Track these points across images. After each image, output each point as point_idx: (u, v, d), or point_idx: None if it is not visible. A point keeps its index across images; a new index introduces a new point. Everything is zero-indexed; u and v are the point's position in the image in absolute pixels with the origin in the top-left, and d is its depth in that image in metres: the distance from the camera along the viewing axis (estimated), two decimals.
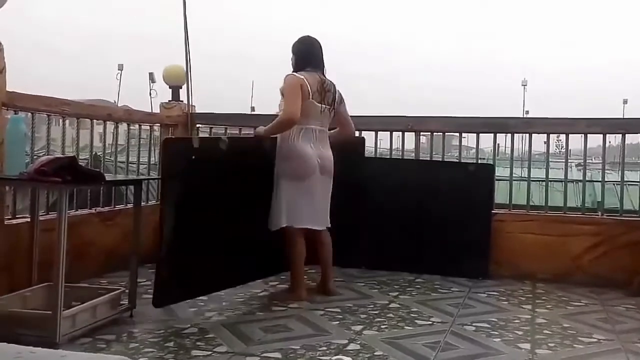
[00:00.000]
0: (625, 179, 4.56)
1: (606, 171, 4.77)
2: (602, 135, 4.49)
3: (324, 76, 3.71)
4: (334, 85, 3.74)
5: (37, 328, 2.65)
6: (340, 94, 3.80)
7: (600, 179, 4.81)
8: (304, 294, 3.64)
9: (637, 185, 4.48)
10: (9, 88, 3.28)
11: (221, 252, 3.37)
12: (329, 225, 3.77)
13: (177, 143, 3.60)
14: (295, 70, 3.66)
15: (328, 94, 3.67)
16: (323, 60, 3.75)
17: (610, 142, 4.97)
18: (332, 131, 3.88)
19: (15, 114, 3.34)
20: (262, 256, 3.69)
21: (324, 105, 3.64)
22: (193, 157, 3.20)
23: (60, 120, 3.85)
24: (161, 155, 3.64)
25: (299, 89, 3.53)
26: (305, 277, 3.77)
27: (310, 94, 3.57)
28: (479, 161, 5.03)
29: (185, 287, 3.26)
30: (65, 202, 2.69)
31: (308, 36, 3.77)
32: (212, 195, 3.29)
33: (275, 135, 3.66)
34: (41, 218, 3.29)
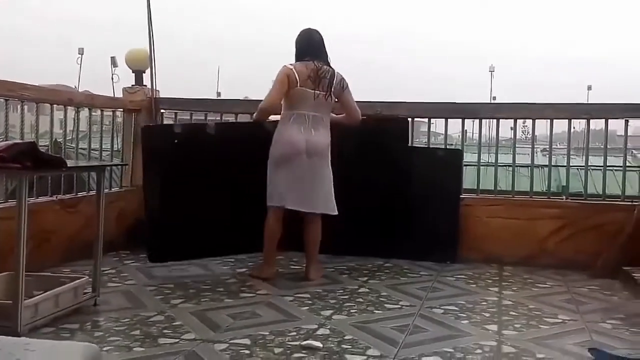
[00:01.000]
0: (590, 164, 4.63)
1: (571, 156, 4.85)
2: (567, 121, 4.55)
3: (322, 64, 3.76)
4: (334, 72, 3.79)
5: None
6: (342, 80, 3.85)
7: (565, 164, 4.88)
8: (268, 272, 3.76)
9: (601, 169, 4.53)
10: None
11: (197, 224, 3.86)
12: (328, 212, 3.84)
13: (157, 129, 4.26)
14: (295, 61, 3.77)
15: (324, 81, 3.74)
16: (324, 50, 3.83)
17: (574, 127, 5.02)
18: (339, 116, 4.00)
19: None
20: (236, 233, 3.98)
21: (317, 92, 3.72)
22: (175, 140, 3.86)
23: (19, 106, 3.73)
24: (142, 140, 4.10)
25: (284, 79, 3.67)
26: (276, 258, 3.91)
27: (298, 82, 3.68)
28: (448, 147, 5.05)
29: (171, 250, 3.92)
30: (25, 188, 2.59)
31: (307, 28, 3.88)
32: (190, 174, 3.84)
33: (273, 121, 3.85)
34: (1, 206, 3.19)
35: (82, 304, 2.99)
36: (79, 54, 17.67)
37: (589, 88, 26.67)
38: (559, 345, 2.71)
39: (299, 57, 3.80)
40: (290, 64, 3.74)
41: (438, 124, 5.80)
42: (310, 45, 3.80)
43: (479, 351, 2.60)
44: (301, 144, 3.71)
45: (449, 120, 4.80)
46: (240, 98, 6.08)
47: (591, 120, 4.62)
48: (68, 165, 2.99)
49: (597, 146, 6.21)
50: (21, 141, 3.14)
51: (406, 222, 4.45)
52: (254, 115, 3.91)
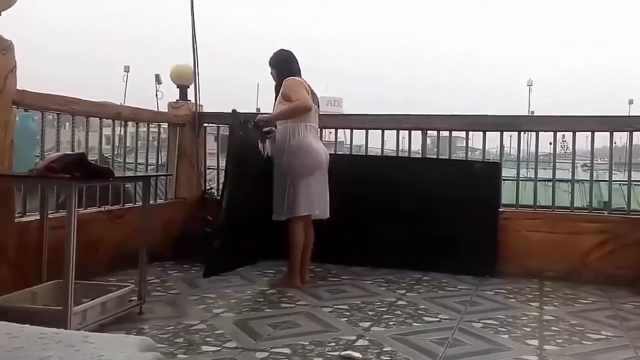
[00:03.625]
0: (632, 179, 4.55)
1: (613, 172, 4.76)
2: (609, 134, 4.49)
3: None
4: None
5: (48, 324, 2.65)
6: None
7: (606, 179, 4.80)
8: (297, 282, 3.89)
9: None
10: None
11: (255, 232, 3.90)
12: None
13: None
14: (283, 78, 3.93)
15: (315, 97, 4.03)
16: (300, 69, 4.05)
17: (615, 142, 4.94)
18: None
19: (25, 112, 3.37)
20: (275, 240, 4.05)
21: (315, 106, 3.98)
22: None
23: (67, 123, 3.88)
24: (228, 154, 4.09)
25: (304, 87, 3.89)
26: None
27: (310, 94, 3.90)
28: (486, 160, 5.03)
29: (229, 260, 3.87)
30: (74, 198, 2.70)
31: (286, 49, 4.11)
32: (257, 186, 3.87)
33: (271, 127, 3.92)
34: (50, 216, 3.31)
35: (128, 311, 3.08)
36: (124, 71, 18.11)
37: (631, 102, 26.02)
38: None
39: (289, 74, 3.94)
40: (297, 78, 3.92)
41: (475, 139, 5.78)
42: (296, 64, 4.03)
43: None
44: (325, 155, 3.98)
45: (487, 134, 4.79)
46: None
47: (634, 135, 4.55)
48: (115, 176, 3.10)
49: (639, 161, 6.08)
50: (71, 152, 3.28)
51: (444, 235, 4.44)
52: (281, 113, 3.86)
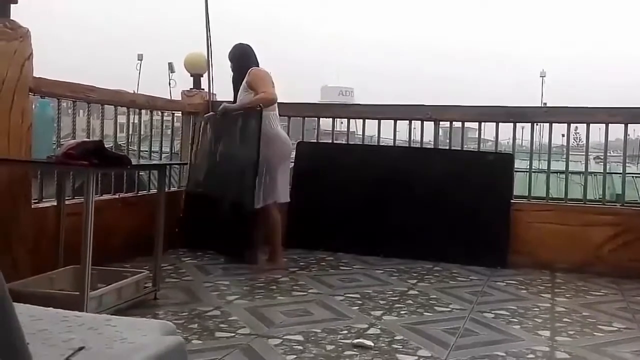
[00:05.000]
0: None
1: (626, 164, 4.74)
2: (623, 126, 4.47)
3: None
4: None
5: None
6: None
7: (619, 171, 4.78)
8: (283, 262, 4.09)
9: None
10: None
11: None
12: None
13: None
14: (244, 70, 4.09)
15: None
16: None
17: (629, 134, 4.90)
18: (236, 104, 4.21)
19: (42, 99, 3.40)
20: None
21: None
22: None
23: (81, 111, 3.91)
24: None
25: (270, 78, 4.06)
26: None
27: (273, 84, 4.07)
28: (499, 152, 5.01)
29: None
30: (92, 184, 2.72)
31: (241, 43, 4.31)
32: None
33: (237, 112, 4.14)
34: (67, 202, 3.35)
35: (143, 297, 3.12)
36: (138, 59, 18.09)
37: None
38: (615, 352, 2.68)
39: (246, 67, 4.10)
40: (262, 68, 4.10)
41: (487, 131, 5.76)
42: (254, 57, 4.22)
43: (531, 356, 2.59)
44: (291, 143, 4.26)
45: (499, 125, 4.77)
46: (295, 102, 6.16)
47: None
48: (132, 164, 3.13)
49: None
50: (89, 140, 3.31)
51: (456, 226, 4.45)
52: (250, 102, 4.01)
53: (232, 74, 4.32)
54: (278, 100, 4.09)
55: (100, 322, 1.33)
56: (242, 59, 4.20)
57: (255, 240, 4.19)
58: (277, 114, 4.09)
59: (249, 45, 4.29)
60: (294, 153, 4.94)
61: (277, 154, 3.99)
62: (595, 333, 2.96)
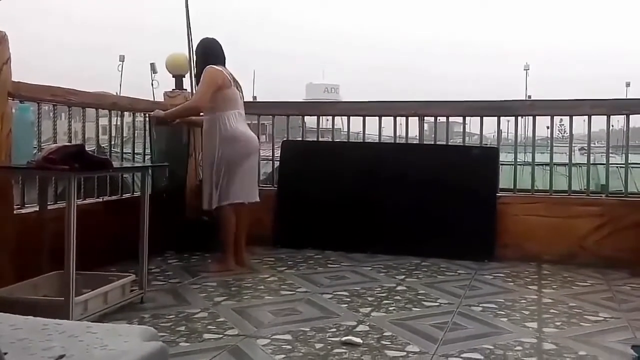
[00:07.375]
0: (629, 162, 4.56)
1: (610, 154, 4.78)
2: (606, 117, 4.50)
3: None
4: None
5: (50, 314, 2.66)
6: None
7: (603, 162, 4.81)
8: (232, 264, 3.94)
9: None
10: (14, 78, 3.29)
11: None
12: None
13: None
14: (203, 67, 3.94)
15: (239, 85, 4.06)
16: (225, 57, 4.06)
17: (613, 125, 4.94)
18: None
19: (21, 103, 3.35)
20: None
21: (240, 94, 4.04)
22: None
23: (63, 114, 3.87)
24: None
25: (216, 80, 3.87)
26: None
27: (232, 82, 3.93)
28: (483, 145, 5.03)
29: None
30: (73, 189, 2.70)
31: (211, 38, 4.11)
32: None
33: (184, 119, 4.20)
34: (49, 207, 3.31)
35: (129, 301, 3.09)
36: (119, 60, 17.92)
37: (628, 85, 25.96)
38: (602, 342, 2.70)
39: (212, 62, 3.94)
40: (218, 67, 3.91)
41: (472, 125, 5.79)
42: (220, 52, 4.03)
43: (518, 348, 2.61)
44: (256, 142, 4.09)
45: (484, 119, 4.79)
46: (277, 100, 6.15)
47: (631, 117, 4.55)
48: (114, 167, 3.10)
49: (637, 144, 6.09)
50: (70, 144, 3.27)
51: (442, 220, 4.46)
52: (177, 110, 4.10)
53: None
54: (245, 99, 4.05)
55: (81, 330, 1.32)
56: (203, 56, 4.04)
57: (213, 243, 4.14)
58: (240, 112, 3.95)
59: (213, 40, 4.09)
60: (279, 152, 4.94)
61: (236, 153, 3.87)
62: (581, 323, 2.98)
